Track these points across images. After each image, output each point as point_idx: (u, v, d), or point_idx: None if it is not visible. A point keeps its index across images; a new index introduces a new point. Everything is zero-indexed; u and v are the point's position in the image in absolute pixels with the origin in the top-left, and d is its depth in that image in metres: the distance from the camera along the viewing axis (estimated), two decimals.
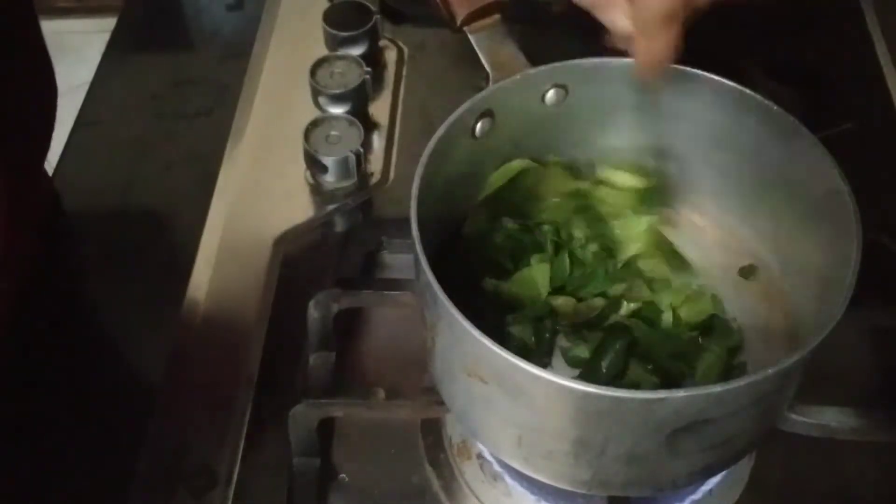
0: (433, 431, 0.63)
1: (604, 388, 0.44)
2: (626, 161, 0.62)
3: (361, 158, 0.75)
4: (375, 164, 0.77)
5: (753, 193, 0.61)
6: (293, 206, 0.74)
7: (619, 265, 0.61)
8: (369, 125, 0.79)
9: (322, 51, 0.82)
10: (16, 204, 0.61)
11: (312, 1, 0.87)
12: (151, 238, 0.74)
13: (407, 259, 0.53)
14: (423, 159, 0.53)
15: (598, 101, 0.60)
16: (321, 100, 0.78)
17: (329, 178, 0.75)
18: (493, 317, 0.58)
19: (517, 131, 0.59)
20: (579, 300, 0.60)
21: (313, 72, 0.78)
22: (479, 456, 0.61)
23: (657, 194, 0.63)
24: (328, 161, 0.73)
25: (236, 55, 0.85)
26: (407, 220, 0.50)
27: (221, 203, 0.74)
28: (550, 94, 0.59)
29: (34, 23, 0.64)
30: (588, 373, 0.56)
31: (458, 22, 0.62)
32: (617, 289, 0.60)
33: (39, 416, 0.64)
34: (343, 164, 0.74)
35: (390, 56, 0.85)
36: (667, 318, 0.59)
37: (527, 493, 0.59)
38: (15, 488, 0.61)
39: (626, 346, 0.57)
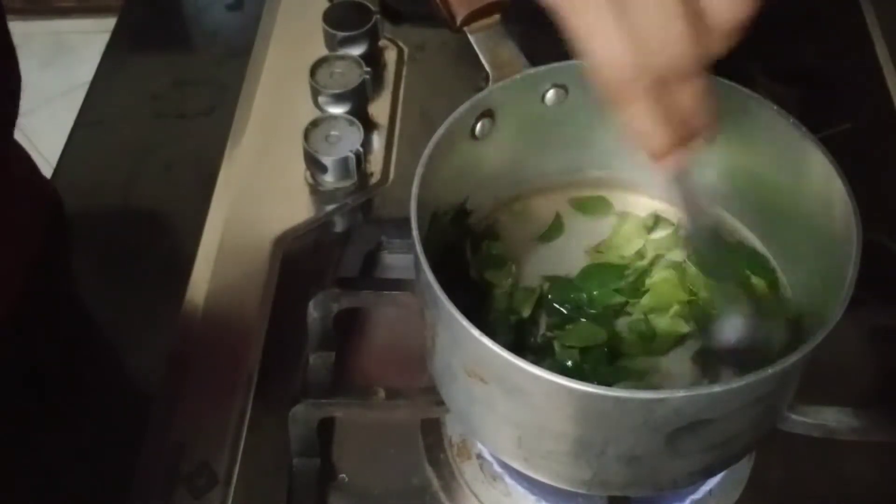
0: (433, 431, 0.63)
1: (604, 388, 0.44)
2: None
3: (361, 158, 0.75)
4: (375, 164, 0.77)
5: (752, 193, 0.60)
6: (293, 206, 0.74)
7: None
8: (369, 125, 0.79)
9: (322, 51, 0.82)
10: None
11: (312, 1, 0.87)
12: (151, 238, 0.74)
13: (407, 259, 0.53)
14: (423, 159, 0.53)
15: (598, 101, 0.60)
16: (321, 100, 0.78)
17: (329, 178, 0.75)
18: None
19: (517, 131, 0.59)
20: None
21: (313, 72, 0.78)
22: (479, 456, 0.61)
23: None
24: (328, 161, 0.73)
25: (236, 55, 0.85)
26: (407, 220, 0.50)
27: (221, 203, 0.74)
28: (550, 94, 0.59)
29: None
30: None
31: (458, 22, 0.62)
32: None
33: (39, 415, 0.64)
34: (343, 164, 0.74)
35: (390, 56, 0.85)
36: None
37: (527, 493, 0.59)
38: (15, 488, 0.61)
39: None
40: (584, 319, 0.58)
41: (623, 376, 0.55)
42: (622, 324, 0.58)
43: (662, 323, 0.58)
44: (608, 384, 0.47)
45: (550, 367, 0.46)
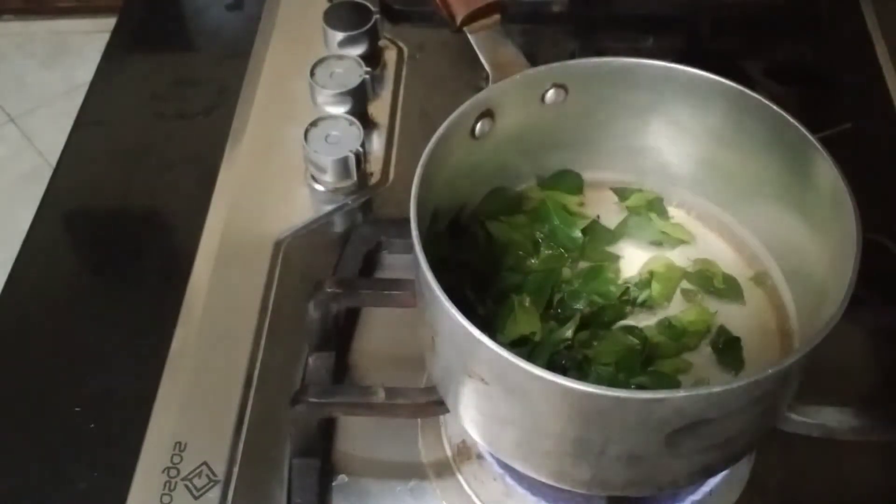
0: (433, 431, 0.63)
1: (604, 388, 0.44)
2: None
3: (361, 158, 0.75)
4: (375, 164, 0.77)
5: (753, 194, 0.61)
6: (293, 207, 0.74)
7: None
8: (369, 125, 0.79)
9: (322, 51, 0.82)
10: None
11: (312, 1, 0.87)
12: (151, 238, 0.74)
13: (407, 259, 0.53)
14: (423, 159, 0.53)
15: (598, 101, 0.60)
16: (321, 100, 0.78)
17: (329, 178, 0.75)
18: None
19: (517, 131, 0.59)
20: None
21: (313, 72, 0.78)
22: (479, 456, 0.61)
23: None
24: (328, 161, 0.73)
25: (236, 55, 0.85)
26: (407, 220, 0.50)
27: (221, 203, 0.74)
28: (550, 94, 0.59)
29: None
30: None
31: (458, 22, 0.62)
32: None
33: (40, 416, 0.64)
34: (343, 164, 0.74)
35: (390, 56, 0.85)
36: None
37: (527, 493, 0.59)
38: (15, 488, 0.61)
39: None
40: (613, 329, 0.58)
41: (657, 382, 0.55)
42: (650, 329, 0.58)
43: (690, 316, 0.58)
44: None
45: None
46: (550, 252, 0.61)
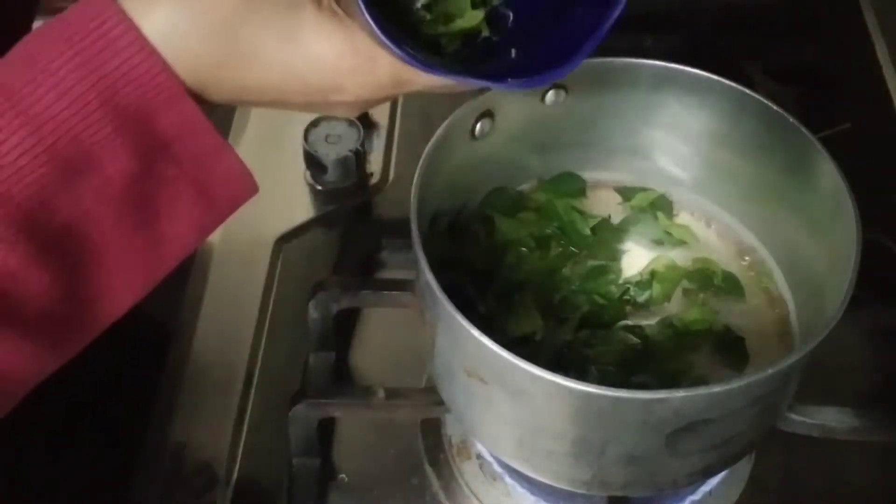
0: (433, 431, 0.63)
1: (604, 388, 0.44)
2: None
3: (361, 158, 0.75)
4: (375, 164, 0.77)
5: (753, 194, 0.61)
6: (293, 206, 0.74)
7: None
8: (369, 125, 0.79)
9: None
10: None
11: None
12: None
13: (407, 259, 0.53)
14: (423, 160, 0.53)
15: (598, 101, 0.60)
16: None
17: (329, 178, 0.75)
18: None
19: (517, 131, 0.59)
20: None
21: None
22: (479, 456, 0.61)
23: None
24: (328, 161, 0.73)
25: None
26: (407, 220, 0.50)
27: None
28: (550, 94, 0.59)
29: None
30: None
31: None
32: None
33: (40, 416, 0.64)
34: (343, 164, 0.74)
35: None
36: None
37: (527, 493, 0.59)
38: (15, 488, 0.61)
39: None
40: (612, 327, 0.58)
41: (657, 382, 0.55)
42: (651, 328, 0.58)
43: (691, 315, 0.58)
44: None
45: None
46: (559, 249, 0.61)
